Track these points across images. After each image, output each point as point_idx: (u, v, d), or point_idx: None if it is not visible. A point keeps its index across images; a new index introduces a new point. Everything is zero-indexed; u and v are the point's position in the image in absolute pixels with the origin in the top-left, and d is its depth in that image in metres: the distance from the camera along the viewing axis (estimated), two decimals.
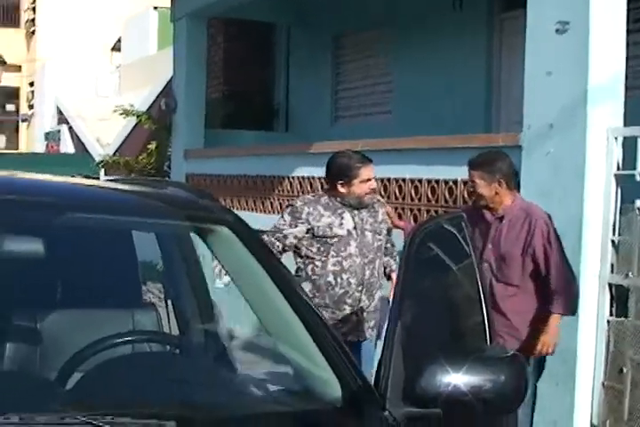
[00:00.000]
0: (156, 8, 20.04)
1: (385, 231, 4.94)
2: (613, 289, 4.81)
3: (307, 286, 4.66)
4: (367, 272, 4.72)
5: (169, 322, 2.95)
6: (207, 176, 9.63)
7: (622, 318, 4.74)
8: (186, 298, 3.00)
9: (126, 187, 2.96)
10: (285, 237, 4.76)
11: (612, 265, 4.82)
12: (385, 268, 5.00)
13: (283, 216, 4.87)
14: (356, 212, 4.80)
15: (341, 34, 10.46)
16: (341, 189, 4.77)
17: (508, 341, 4.33)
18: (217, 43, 11.47)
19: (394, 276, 4.87)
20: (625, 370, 4.68)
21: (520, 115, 5.38)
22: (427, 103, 8.68)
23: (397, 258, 4.89)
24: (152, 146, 12.46)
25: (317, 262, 4.74)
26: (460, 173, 5.90)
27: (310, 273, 4.76)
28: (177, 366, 2.44)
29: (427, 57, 8.80)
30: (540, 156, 5.09)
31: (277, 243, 4.75)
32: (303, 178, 7.87)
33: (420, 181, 6.34)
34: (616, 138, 4.86)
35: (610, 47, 4.91)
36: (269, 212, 8.39)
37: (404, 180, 6.55)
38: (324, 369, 2.31)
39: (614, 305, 4.81)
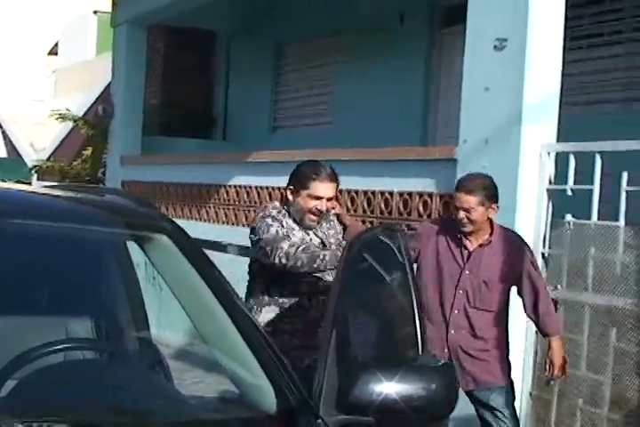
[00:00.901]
0: (95, 12, 19.87)
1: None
2: None
3: (274, 311, 4.16)
4: None
5: (103, 330, 2.94)
6: (143, 183, 9.58)
7: None
8: (120, 306, 2.99)
9: (64, 193, 2.95)
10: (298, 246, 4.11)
11: None
12: None
13: (269, 229, 4.17)
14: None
15: (283, 43, 10.51)
16: (289, 196, 4.35)
17: (492, 365, 4.31)
18: (157, 49, 11.44)
19: None
20: (552, 382, 4.78)
21: (456, 129, 5.47)
22: (366, 115, 8.76)
23: None
24: (87, 152, 12.34)
25: (288, 285, 4.21)
26: (396, 184, 5.98)
27: (277, 296, 4.22)
28: (110, 373, 2.43)
29: (368, 69, 8.89)
30: (474, 169, 5.15)
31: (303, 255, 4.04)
32: (240, 187, 7.88)
33: (356, 192, 6.39)
34: (549, 153, 4.97)
35: (546, 65, 5.03)
36: (206, 220, 8.38)
37: (340, 191, 6.59)
38: (260, 377, 2.33)
39: None
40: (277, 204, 4.50)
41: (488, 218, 4.32)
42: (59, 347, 2.43)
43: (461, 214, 4.26)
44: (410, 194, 5.87)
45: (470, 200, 4.24)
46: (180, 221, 2.94)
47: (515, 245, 4.37)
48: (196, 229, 7.64)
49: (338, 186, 4.36)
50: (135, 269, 2.91)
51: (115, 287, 2.81)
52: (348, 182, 6.42)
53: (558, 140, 5.07)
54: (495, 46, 5.14)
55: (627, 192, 4.54)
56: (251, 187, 7.71)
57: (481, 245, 4.33)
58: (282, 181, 7.30)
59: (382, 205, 6.13)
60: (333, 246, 4.24)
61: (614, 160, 4.66)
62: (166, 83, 11.47)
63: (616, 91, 6.88)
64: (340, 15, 9.15)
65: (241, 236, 7.77)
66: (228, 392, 2.38)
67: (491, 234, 4.34)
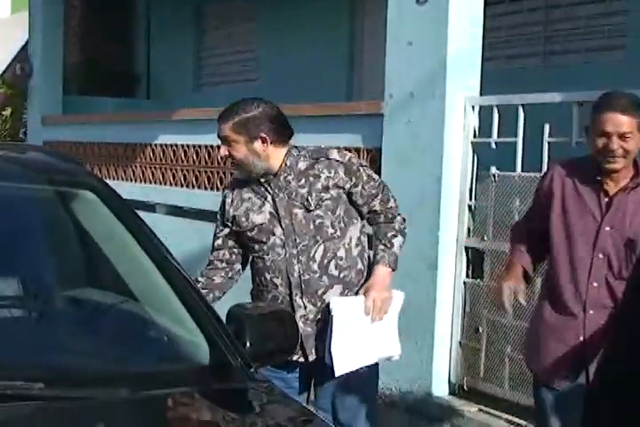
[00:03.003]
0: None
1: (340, 198, 3.36)
2: (469, 252, 5.00)
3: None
4: (296, 267, 3.32)
5: (31, 288, 2.90)
6: (66, 143, 9.40)
7: (477, 280, 4.94)
8: (48, 264, 2.95)
9: None
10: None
11: (469, 229, 5.01)
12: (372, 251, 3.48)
13: None
14: (272, 184, 3.38)
15: (204, 3, 10.35)
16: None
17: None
18: (74, 7, 11.15)
19: (381, 268, 3.38)
20: (481, 329, 4.89)
21: (382, 84, 5.48)
22: (292, 71, 8.71)
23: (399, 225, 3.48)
24: (7, 112, 12.06)
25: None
26: (323, 140, 5.98)
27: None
28: (42, 330, 2.41)
29: (291, 25, 8.82)
30: (400, 124, 5.21)
31: None
32: (166, 145, 7.79)
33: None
34: (473, 107, 5.02)
35: (468, 19, 5.04)
36: (132, 180, 8.28)
37: None
38: (192, 331, 2.34)
39: (470, 267, 5.01)
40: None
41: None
42: None
43: (615, 143, 3.08)
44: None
45: (627, 123, 3.08)
46: (105, 181, 2.90)
47: None
48: (123, 188, 7.55)
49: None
50: (63, 227, 2.86)
51: (42, 245, 2.76)
52: None
53: (482, 94, 5.12)
54: (418, 0, 5.14)
55: (549, 143, 4.61)
56: (176, 145, 7.62)
57: (624, 189, 3.17)
58: (208, 138, 7.27)
59: None
60: (297, 210, 3.34)
61: (536, 113, 4.72)
62: (86, 41, 11.21)
63: (537, 44, 6.96)
64: None
65: (167, 195, 7.72)
66: (161, 347, 2.39)
67: (636, 174, 3.19)
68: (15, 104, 11.80)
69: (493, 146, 4.90)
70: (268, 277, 3.36)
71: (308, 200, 3.32)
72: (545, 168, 4.59)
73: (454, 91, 5.00)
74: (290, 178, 3.36)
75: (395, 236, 3.43)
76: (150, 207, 7.65)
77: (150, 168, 8.03)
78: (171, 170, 7.74)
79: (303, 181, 3.34)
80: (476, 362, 4.94)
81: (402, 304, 3.51)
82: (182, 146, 7.56)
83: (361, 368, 3.38)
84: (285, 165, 3.37)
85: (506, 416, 4.74)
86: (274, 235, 3.35)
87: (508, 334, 4.78)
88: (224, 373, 2.22)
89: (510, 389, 4.77)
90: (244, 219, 3.41)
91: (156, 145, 7.92)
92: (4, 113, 12.15)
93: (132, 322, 2.51)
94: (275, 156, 3.37)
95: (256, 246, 3.40)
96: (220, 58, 10.21)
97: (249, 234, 3.41)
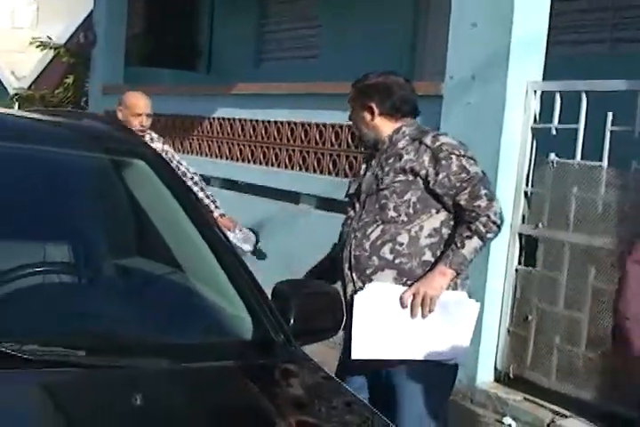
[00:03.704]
0: None
1: (414, 184, 3.23)
2: (523, 239, 4.93)
3: None
4: (352, 242, 3.28)
5: (81, 255, 2.91)
6: None
7: (530, 268, 4.87)
8: (100, 232, 2.96)
9: (41, 117, 2.89)
10: None
11: (524, 216, 4.93)
12: None
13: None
14: (375, 157, 3.42)
15: None
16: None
17: None
18: None
19: (438, 266, 3.20)
20: (530, 317, 4.82)
21: (443, 65, 5.40)
22: (354, 49, 8.63)
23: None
24: (69, 80, 12.15)
25: None
26: None
27: None
28: (88, 297, 2.42)
29: (355, 2, 8.74)
30: (460, 106, 5.13)
31: None
32: (223, 119, 7.80)
33: (340, 126, 6.34)
34: (535, 92, 4.93)
35: (534, 2, 4.94)
36: (188, 152, 8.31)
37: (324, 125, 6.54)
38: (237, 305, 2.33)
39: (523, 255, 4.93)
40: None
41: None
42: (33, 270, 2.42)
43: None
44: None
45: None
46: (158, 152, 2.89)
47: None
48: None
49: None
50: (114, 195, 2.86)
51: (93, 212, 2.77)
52: (332, 117, 6.36)
53: (545, 79, 5.02)
54: None
55: (611, 132, 4.51)
56: (234, 119, 7.62)
57: None
58: (266, 114, 7.25)
59: None
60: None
61: (600, 100, 4.62)
62: (150, 12, 11.24)
63: (604, 31, 6.80)
64: None
65: (224, 169, 7.73)
66: (205, 319, 2.38)
67: None
68: (78, 72, 11.89)
69: (554, 132, 4.81)
70: (339, 247, 3.36)
71: (382, 179, 3.24)
72: (606, 157, 4.50)
73: (517, 75, 4.91)
74: (387, 155, 3.30)
75: (469, 237, 3.16)
76: (205, 181, 7.66)
77: (207, 141, 8.05)
78: (227, 144, 7.75)
79: (392, 159, 3.26)
80: (524, 350, 4.88)
81: (476, 309, 3.31)
82: (240, 120, 7.56)
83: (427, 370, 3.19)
84: (390, 140, 3.31)
85: (551, 406, 4.69)
86: (354, 208, 3.34)
87: (558, 323, 4.71)
88: (266, 349, 2.20)
89: (557, 379, 4.70)
90: (348, 188, 3.48)
91: (213, 118, 7.93)
92: (66, 81, 12.26)
93: (178, 293, 2.50)
94: (383, 129, 3.34)
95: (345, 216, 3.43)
96: (283, 33, 10.16)
97: (346, 203, 3.47)
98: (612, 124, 4.51)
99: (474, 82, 5.08)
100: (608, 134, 4.51)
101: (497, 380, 5.00)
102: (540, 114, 4.94)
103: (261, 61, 10.53)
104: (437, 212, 3.23)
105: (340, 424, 2.04)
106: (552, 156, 4.78)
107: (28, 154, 2.55)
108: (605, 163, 4.52)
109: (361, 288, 3.21)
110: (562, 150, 4.79)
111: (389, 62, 8.20)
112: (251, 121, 7.39)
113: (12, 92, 14.35)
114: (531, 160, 4.92)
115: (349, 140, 6.26)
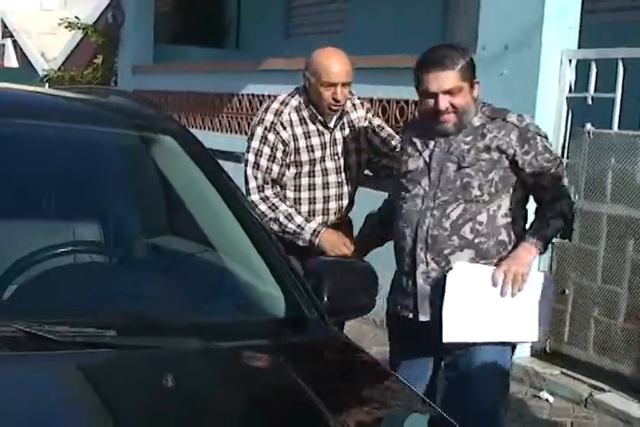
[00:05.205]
0: None
1: (499, 162, 3.12)
2: None
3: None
4: (427, 220, 3.12)
5: (112, 234, 2.89)
6: (155, 92, 9.43)
7: (566, 241, 4.78)
8: (132, 210, 2.93)
9: (69, 94, 2.86)
10: None
11: None
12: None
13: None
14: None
15: None
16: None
17: None
18: None
19: (523, 244, 3.13)
20: (567, 291, 4.75)
21: (475, 35, 5.30)
22: (382, 22, 8.53)
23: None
24: (98, 60, 12.12)
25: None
26: (411, 93, 5.83)
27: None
28: (118, 276, 2.39)
29: None
30: (493, 76, 5.03)
31: None
32: (253, 95, 7.74)
33: (371, 100, 6.26)
34: (570, 60, 4.82)
35: None
36: (218, 129, 8.28)
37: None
38: (269, 282, 2.29)
39: None
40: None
41: None
42: (64, 250, 2.39)
43: None
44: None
45: None
46: (192, 131, 2.84)
47: None
48: (209, 138, 7.55)
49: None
50: (144, 172, 2.82)
51: (122, 190, 2.73)
52: (363, 91, 6.28)
53: (580, 47, 4.91)
54: None
55: None
56: (264, 96, 7.56)
57: None
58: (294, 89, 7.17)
59: (397, 114, 6.01)
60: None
61: (637, 68, 4.50)
62: None
63: None
64: None
65: None
66: (237, 297, 2.34)
67: None
68: (106, 52, 11.86)
69: (590, 101, 4.71)
70: (400, 225, 3.17)
71: (463, 156, 3.08)
72: None
73: (551, 43, 4.81)
74: (466, 132, 3.12)
75: (553, 218, 3.11)
76: (236, 158, 7.63)
77: (236, 118, 8.01)
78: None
79: (470, 137, 3.11)
80: (561, 325, 4.82)
81: (552, 288, 3.20)
82: (269, 96, 7.49)
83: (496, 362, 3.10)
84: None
85: (589, 381, 4.63)
86: (419, 184, 3.14)
87: (596, 297, 4.63)
88: (300, 326, 2.16)
89: (595, 353, 4.64)
90: (402, 164, 3.23)
91: (242, 95, 7.88)
92: (95, 61, 12.23)
93: (210, 272, 2.47)
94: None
95: (402, 193, 3.20)
96: (310, 7, 10.06)
97: (400, 179, 3.21)
98: None
99: (507, 52, 4.98)
100: None
101: (533, 355, 4.94)
102: (575, 83, 4.84)
103: (290, 36, 10.44)
104: (514, 191, 3.13)
105: (378, 404, 2.00)
106: (588, 126, 4.68)
107: (56, 131, 2.52)
108: None
109: (434, 269, 3.09)
110: (598, 120, 4.68)
111: (419, 36, 8.10)
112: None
113: (41, 73, 14.38)
114: (566, 130, 4.83)
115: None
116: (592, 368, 4.65)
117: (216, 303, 2.28)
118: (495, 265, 3.08)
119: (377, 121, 4.02)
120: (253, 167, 3.69)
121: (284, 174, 3.71)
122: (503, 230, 3.12)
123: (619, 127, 4.56)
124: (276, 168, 3.68)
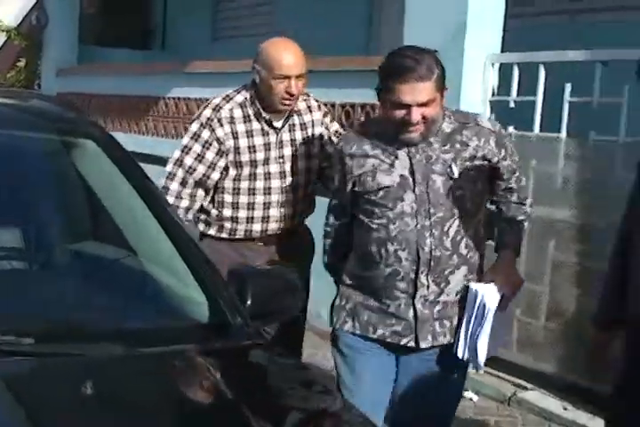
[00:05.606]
0: None
1: (483, 172, 2.93)
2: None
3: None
4: (428, 241, 2.83)
5: (35, 240, 2.84)
6: (80, 95, 9.31)
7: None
8: (54, 216, 2.88)
9: None
10: None
11: None
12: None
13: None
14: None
15: None
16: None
17: None
18: None
19: (508, 253, 3.00)
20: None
21: (399, 39, 5.34)
22: (310, 25, 8.54)
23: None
24: (22, 63, 11.93)
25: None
26: (339, 95, 5.86)
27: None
28: (39, 283, 2.35)
29: None
30: None
31: None
32: (179, 99, 7.68)
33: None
34: (493, 64, 4.89)
35: None
36: (144, 133, 8.20)
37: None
38: (192, 288, 2.28)
39: None
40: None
41: None
42: None
43: None
44: (352, 106, 5.76)
45: None
46: (117, 134, 2.82)
47: None
48: (135, 141, 7.47)
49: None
50: (64, 177, 2.78)
51: (41, 195, 2.69)
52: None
53: (503, 51, 4.99)
54: None
55: (569, 103, 4.49)
56: (190, 99, 7.51)
57: None
58: (222, 92, 7.14)
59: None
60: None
61: (558, 72, 4.60)
62: None
63: (562, 2, 6.77)
64: None
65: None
66: (159, 303, 2.32)
67: None
68: (30, 55, 11.67)
69: (512, 104, 4.79)
70: (390, 249, 2.82)
71: (451, 167, 2.81)
72: (564, 128, 4.48)
73: (474, 47, 4.87)
74: (432, 140, 2.84)
75: (524, 221, 3.02)
76: (162, 161, 7.57)
77: (162, 121, 7.94)
78: (183, 124, 7.64)
79: (448, 145, 2.84)
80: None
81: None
82: (196, 99, 7.45)
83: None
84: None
85: (513, 379, 4.69)
86: (402, 201, 2.81)
87: (518, 296, 4.69)
88: (223, 331, 2.16)
89: (518, 352, 4.71)
90: (369, 178, 2.85)
91: (169, 98, 7.81)
92: (18, 64, 12.02)
93: (133, 277, 2.44)
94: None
95: (377, 211, 2.85)
96: (238, 10, 10.04)
97: (372, 197, 2.85)
98: (571, 96, 4.49)
99: None
100: (566, 105, 4.49)
101: None
102: (499, 86, 4.91)
103: (217, 39, 10.41)
104: (487, 198, 3.01)
105: (301, 407, 2.00)
106: (510, 128, 4.75)
107: None
108: (564, 134, 4.51)
109: (433, 292, 2.85)
110: (521, 123, 4.76)
111: (346, 38, 8.14)
112: (207, 100, 7.26)
113: None
114: None
115: None
116: (515, 367, 4.71)
117: (139, 309, 2.26)
118: (480, 279, 2.91)
119: (335, 126, 3.74)
120: (175, 164, 3.48)
121: (209, 177, 3.44)
122: (482, 241, 2.97)
123: (540, 130, 4.64)
124: (201, 168, 3.43)
